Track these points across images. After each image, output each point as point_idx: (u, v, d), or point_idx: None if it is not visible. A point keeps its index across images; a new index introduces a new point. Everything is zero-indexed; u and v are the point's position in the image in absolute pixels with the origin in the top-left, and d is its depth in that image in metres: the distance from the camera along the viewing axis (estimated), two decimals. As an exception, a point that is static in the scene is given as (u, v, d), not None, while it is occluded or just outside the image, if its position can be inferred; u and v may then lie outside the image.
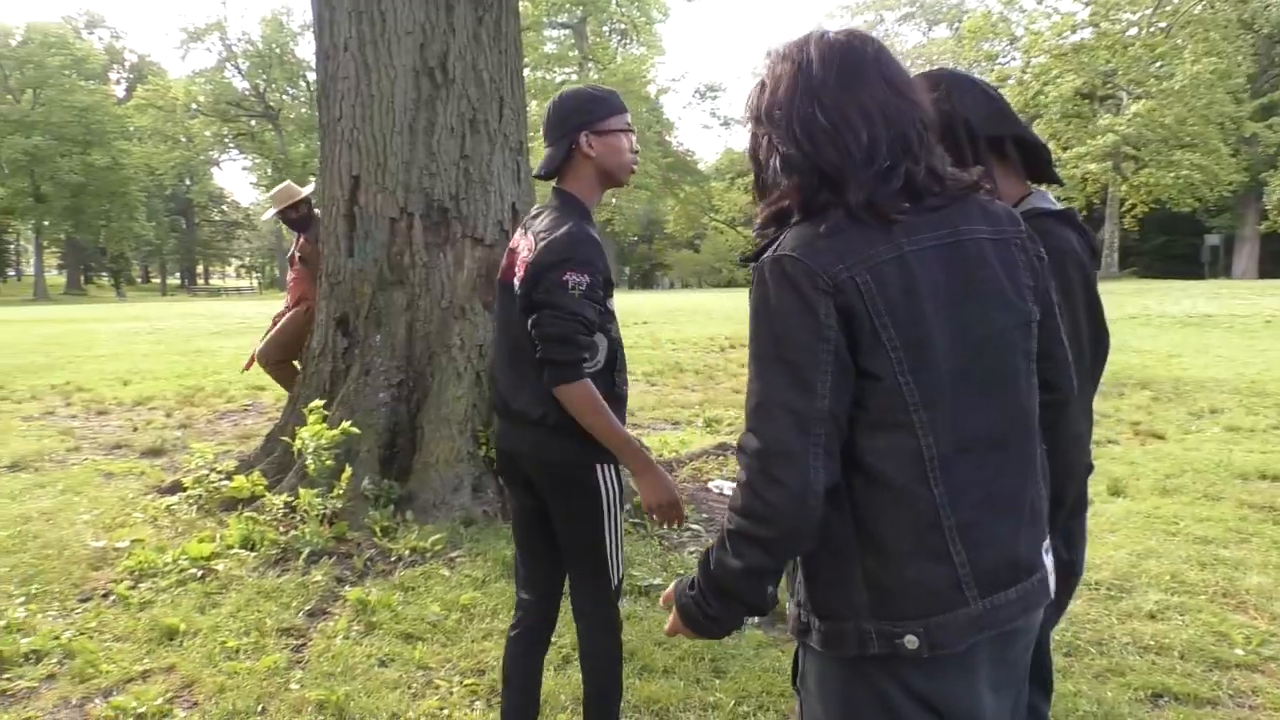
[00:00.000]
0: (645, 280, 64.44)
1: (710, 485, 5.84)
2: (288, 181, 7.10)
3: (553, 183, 2.48)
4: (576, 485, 2.38)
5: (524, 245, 2.38)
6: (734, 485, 1.39)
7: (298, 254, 6.53)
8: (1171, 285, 29.20)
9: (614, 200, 46.74)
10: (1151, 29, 41.06)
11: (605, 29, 49.91)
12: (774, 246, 1.39)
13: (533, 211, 2.50)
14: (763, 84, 1.47)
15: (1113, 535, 4.72)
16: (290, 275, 6.79)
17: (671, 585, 1.55)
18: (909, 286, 1.34)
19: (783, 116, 1.42)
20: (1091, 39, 42.28)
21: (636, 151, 2.54)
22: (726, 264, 61.87)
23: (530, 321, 2.28)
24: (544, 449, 2.37)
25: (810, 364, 1.31)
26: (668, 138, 53.35)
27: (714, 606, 1.45)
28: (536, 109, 47.08)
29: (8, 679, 3.29)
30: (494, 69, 5.18)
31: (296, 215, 6.39)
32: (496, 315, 2.55)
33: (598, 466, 2.37)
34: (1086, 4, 43.33)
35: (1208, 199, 40.28)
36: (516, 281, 2.36)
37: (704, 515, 5.21)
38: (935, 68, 2.21)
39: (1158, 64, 39.76)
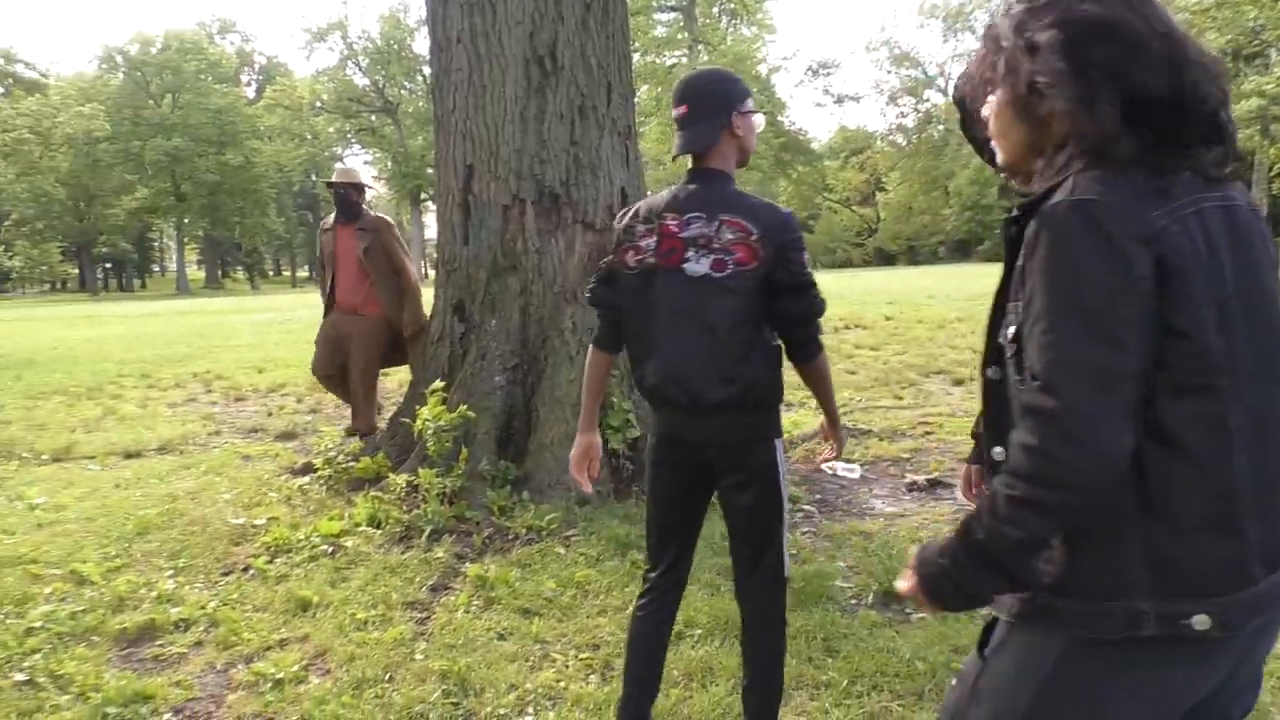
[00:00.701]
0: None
1: (824, 466, 5.78)
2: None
3: (673, 162, 2.55)
4: (764, 463, 2.44)
5: (711, 229, 2.35)
6: (1017, 446, 1.27)
7: (361, 252, 6.19)
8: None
9: (725, 182, 46.54)
10: (1303, -19, 38.27)
11: (715, 10, 49.55)
12: (1060, 192, 1.28)
13: (677, 193, 2.43)
14: (1055, 19, 1.33)
15: None
16: (338, 273, 6.33)
17: (916, 551, 1.46)
18: (1209, 241, 1.27)
19: (1094, 53, 1.30)
20: (1234, -6, 39.73)
21: None
22: (842, 244, 60.89)
23: (788, 302, 2.36)
24: (738, 430, 2.42)
25: (1119, 318, 1.21)
26: (780, 118, 52.68)
27: (971, 577, 1.34)
28: (646, 94, 47.14)
29: (160, 645, 3.54)
30: (602, 55, 5.23)
31: (357, 198, 6.34)
32: (662, 304, 2.40)
33: (775, 442, 2.48)
34: (1231, -43, 40.70)
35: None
36: (711, 265, 2.34)
37: (817, 496, 5.19)
38: None
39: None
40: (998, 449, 1.43)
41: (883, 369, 9.74)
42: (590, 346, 2.64)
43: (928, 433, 6.79)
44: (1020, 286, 1.33)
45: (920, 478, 5.52)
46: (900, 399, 8.27)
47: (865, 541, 4.42)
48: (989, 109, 1.46)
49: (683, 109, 2.42)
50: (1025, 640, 1.40)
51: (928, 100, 61.34)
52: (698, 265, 2.34)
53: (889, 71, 61.34)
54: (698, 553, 4.14)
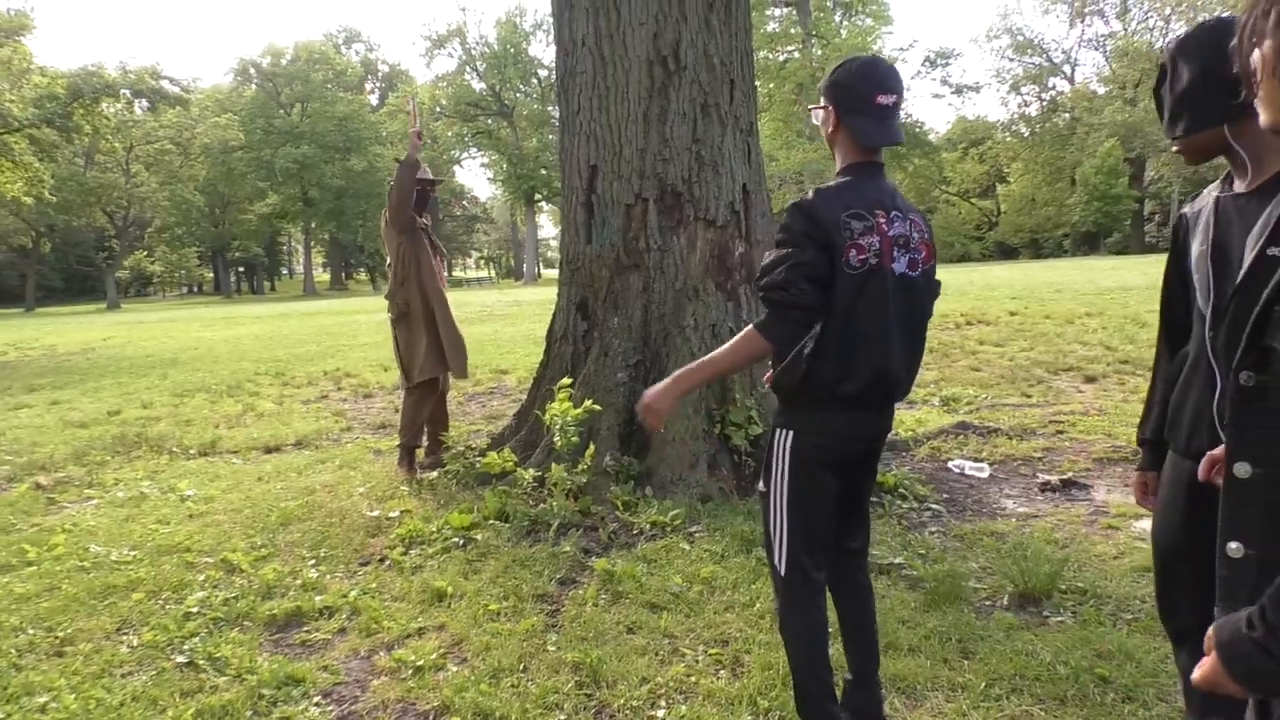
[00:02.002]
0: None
1: (950, 465, 5.65)
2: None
3: (873, 156, 2.45)
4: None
5: (905, 227, 2.39)
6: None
7: (430, 243, 6.01)
8: None
9: (838, 177, 45.83)
10: None
11: (829, 4, 48.83)
12: None
13: (870, 188, 2.39)
14: None
15: None
16: (414, 267, 5.93)
17: (1212, 629, 1.21)
18: None
19: None
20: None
21: None
22: (959, 237, 59.19)
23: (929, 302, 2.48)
24: (892, 419, 2.61)
25: None
26: (895, 110, 51.57)
27: None
28: (759, 90, 46.80)
29: (306, 631, 3.72)
30: (724, 53, 5.24)
31: (434, 192, 6.23)
32: (880, 305, 2.36)
33: None
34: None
35: None
36: (908, 265, 2.39)
37: (944, 495, 5.07)
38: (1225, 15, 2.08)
39: None
40: (1241, 465, 1.28)
41: (1008, 366, 9.44)
42: (758, 333, 2.32)
43: (1059, 431, 6.55)
44: None
45: (1053, 478, 5.34)
46: (1029, 396, 8.00)
47: (997, 542, 4.31)
48: (1263, 65, 1.27)
49: (894, 98, 2.37)
50: None
51: (1053, 88, 59.03)
52: (899, 264, 2.36)
53: (1011, 59, 59.26)
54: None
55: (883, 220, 2.34)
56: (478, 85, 61.51)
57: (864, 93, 2.35)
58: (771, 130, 45.40)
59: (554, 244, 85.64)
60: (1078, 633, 3.31)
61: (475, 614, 3.74)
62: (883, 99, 2.34)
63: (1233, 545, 1.25)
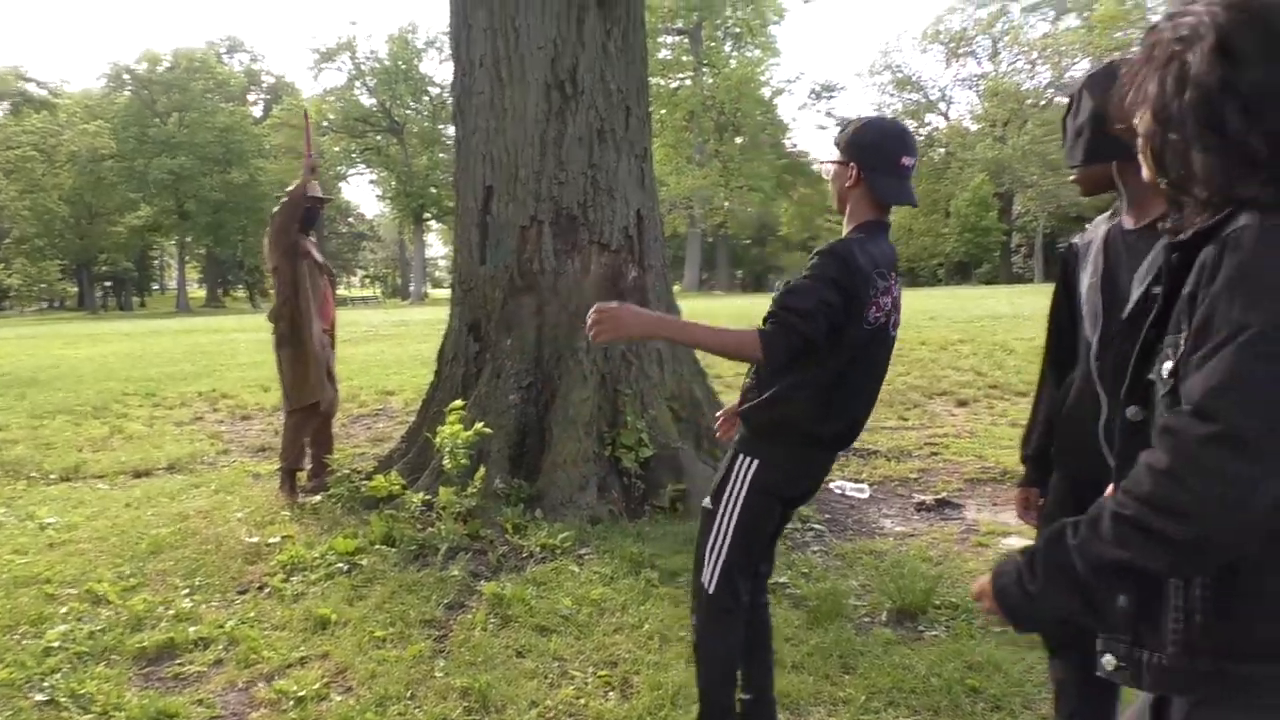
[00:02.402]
0: (758, 282, 64.11)
1: (832, 486, 5.82)
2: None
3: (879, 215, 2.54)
4: None
5: (898, 288, 2.54)
6: (1143, 465, 1.18)
7: (319, 262, 5.85)
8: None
9: (727, 204, 46.70)
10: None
11: (719, 33, 49.95)
12: (1245, 217, 1.18)
13: (886, 248, 2.52)
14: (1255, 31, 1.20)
15: None
16: (292, 290, 5.67)
17: (1006, 555, 1.37)
18: None
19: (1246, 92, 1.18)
20: None
21: None
22: (842, 266, 60.95)
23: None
24: None
25: None
26: (782, 140, 53.00)
27: (1043, 586, 1.26)
28: (654, 116, 47.45)
29: (180, 664, 3.57)
30: (621, 80, 5.33)
31: (323, 210, 6.04)
32: (873, 362, 2.57)
33: None
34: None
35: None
36: (893, 324, 2.54)
37: (826, 516, 5.22)
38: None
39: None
40: None
41: (887, 390, 9.76)
42: (757, 340, 2.31)
43: (934, 453, 6.83)
44: (1184, 319, 1.23)
45: (929, 498, 5.56)
46: (906, 420, 8.32)
47: (876, 560, 4.46)
48: (1138, 123, 1.34)
49: (914, 160, 2.51)
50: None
51: (929, 124, 61.67)
52: (893, 324, 2.54)
53: (891, 95, 61.71)
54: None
55: (893, 282, 2.49)
56: (367, 101, 60.45)
57: (891, 153, 2.45)
58: (662, 156, 46.05)
59: (442, 263, 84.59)
60: (950, 646, 3.46)
61: (360, 641, 3.66)
62: (906, 160, 2.47)
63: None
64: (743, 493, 2.52)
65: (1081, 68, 57.05)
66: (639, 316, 2.41)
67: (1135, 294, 2.07)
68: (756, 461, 2.51)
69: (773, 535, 2.74)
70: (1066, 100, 2.29)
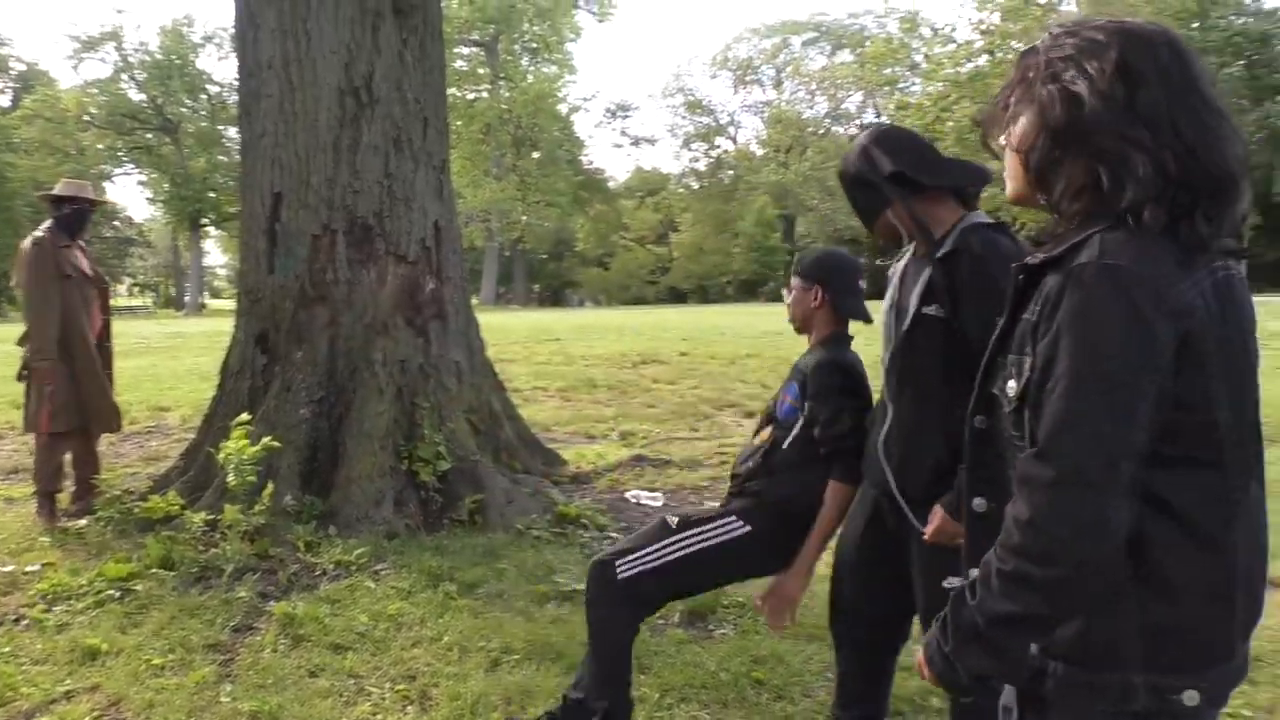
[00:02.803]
0: (555, 298, 64.46)
1: (628, 495, 5.99)
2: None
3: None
4: None
5: None
6: (1011, 519, 1.24)
7: (88, 269, 5.46)
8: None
9: (525, 218, 46.73)
10: (1040, 59, 43.15)
11: (516, 47, 49.98)
12: (1086, 251, 1.22)
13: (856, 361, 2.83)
14: (1108, 62, 1.26)
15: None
16: (46, 304, 5.22)
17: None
18: (1225, 313, 1.23)
19: (1158, 101, 1.23)
20: (987, 67, 44.23)
21: None
22: (636, 281, 62.34)
23: None
24: None
25: (1136, 393, 1.16)
26: (579, 156, 53.64)
27: (958, 648, 1.31)
28: (451, 127, 46.69)
29: (-79, 705, 3.24)
30: (418, 89, 5.29)
31: (92, 212, 5.67)
32: None
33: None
34: (983, 34, 45.38)
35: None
36: None
37: (623, 524, 5.37)
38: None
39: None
40: (978, 500, 1.44)
41: (680, 402, 10.13)
42: (845, 484, 2.66)
43: (724, 462, 7.14)
44: (1028, 341, 1.28)
45: (718, 505, 5.81)
46: (697, 431, 8.65)
47: (671, 566, 4.63)
48: (1007, 140, 1.39)
49: (864, 281, 2.89)
50: (1044, 715, 1.35)
51: (719, 146, 64.28)
52: None
53: (683, 117, 63.88)
54: (514, 580, 4.23)
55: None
56: (136, 95, 56.17)
57: (852, 277, 2.83)
58: (460, 168, 45.51)
59: (221, 272, 79.71)
60: (738, 642, 3.66)
61: (135, 670, 3.44)
62: (861, 282, 2.85)
63: (974, 572, 1.34)
64: (718, 543, 2.74)
65: (855, 100, 61.19)
66: (795, 577, 2.75)
67: (910, 314, 2.31)
68: (749, 530, 2.73)
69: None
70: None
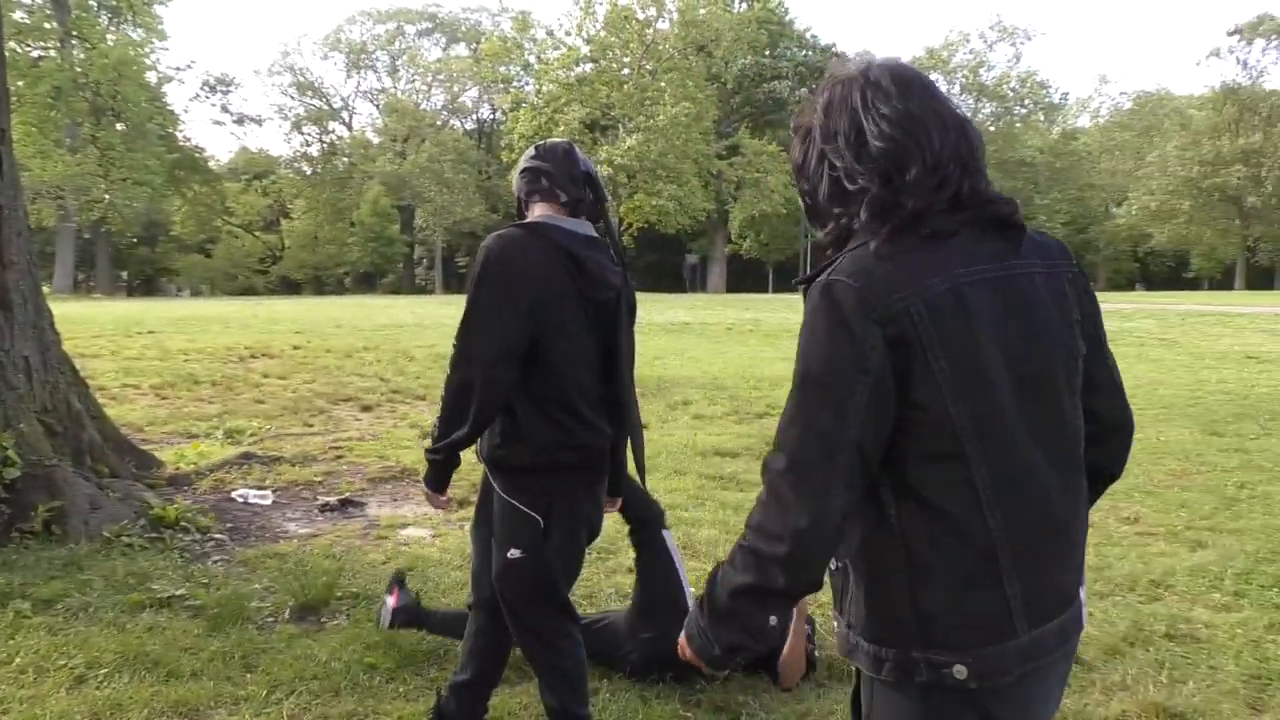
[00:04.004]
0: (148, 286, 58.25)
1: (234, 495, 5.73)
2: None
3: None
4: None
5: None
6: (757, 500, 1.38)
7: None
8: (661, 298, 33.38)
9: (108, 197, 41.66)
10: (641, 71, 46.51)
11: (93, 3, 44.27)
12: (829, 270, 1.36)
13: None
14: (820, 102, 1.45)
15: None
16: None
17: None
18: (964, 316, 1.33)
19: (846, 128, 1.40)
20: (593, 74, 46.80)
21: None
22: (243, 270, 58.25)
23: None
24: None
25: (846, 392, 1.29)
26: (173, 132, 48.78)
27: (710, 622, 1.41)
28: (14, 90, 40.10)
29: None
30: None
31: None
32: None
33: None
34: (588, 41, 47.91)
35: (686, 224, 46.87)
36: None
37: (228, 525, 5.15)
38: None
39: (647, 102, 45.14)
40: None
41: (292, 397, 9.76)
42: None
43: (339, 456, 7.05)
44: None
45: (332, 498, 5.77)
46: (311, 426, 8.41)
47: (280, 563, 4.54)
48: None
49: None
50: (868, 683, 1.48)
51: (332, 132, 61.73)
52: None
53: (293, 98, 60.50)
54: (101, 591, 3.96)
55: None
56: None
57: None
58: (23, 135, 39.43)
59: None
60: (351, 631, 3.71)
61: None
62: None
63: (833, 565, 1.47)
64: None
65: (471, 95, 61.78)
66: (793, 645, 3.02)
67: None
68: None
69: None
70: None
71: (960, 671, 1.33)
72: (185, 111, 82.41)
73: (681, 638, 1.48)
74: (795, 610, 3.27)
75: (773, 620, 1.38)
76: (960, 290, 1.33)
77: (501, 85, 55.63)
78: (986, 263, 1.37)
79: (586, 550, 2.81)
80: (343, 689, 3.27)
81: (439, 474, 2.64)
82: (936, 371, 1.30)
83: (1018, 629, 1.35)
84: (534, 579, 2.60)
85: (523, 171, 2.67)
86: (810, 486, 1.29)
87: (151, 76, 46.14)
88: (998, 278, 1.37)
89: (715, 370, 12.71)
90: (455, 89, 61.20)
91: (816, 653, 3.46)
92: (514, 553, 2.56)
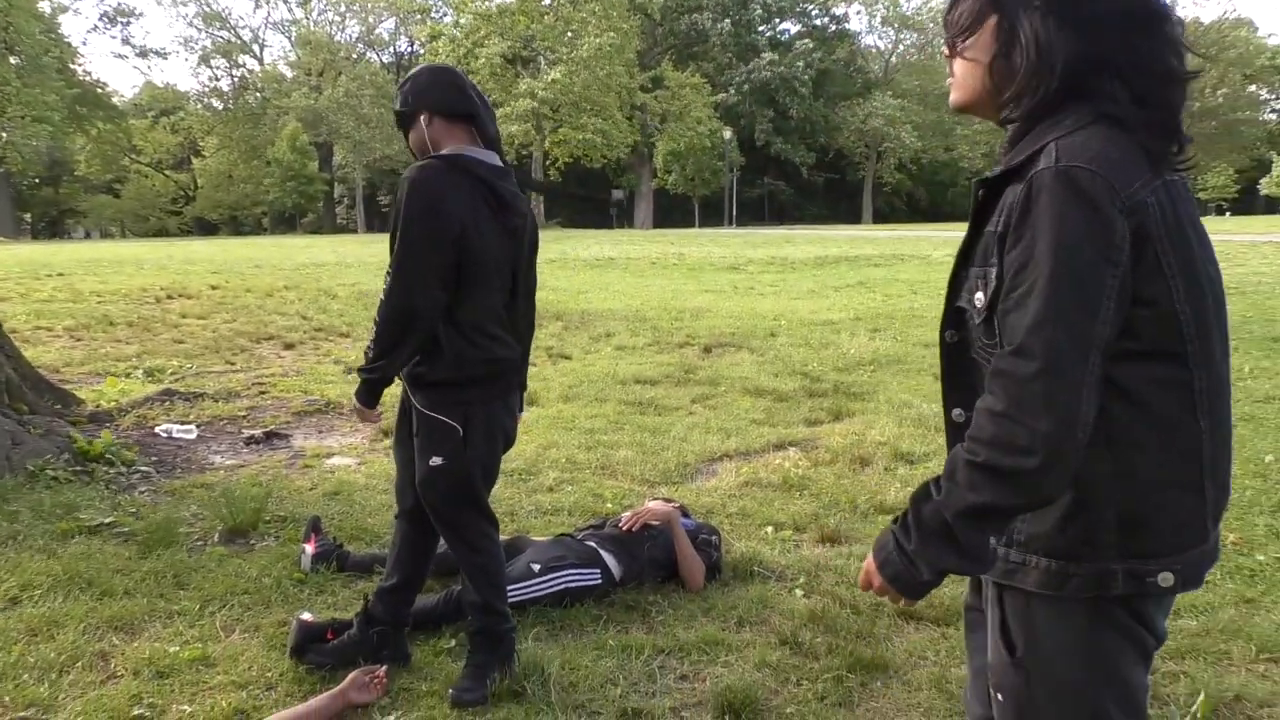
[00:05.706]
0: (53, 229, 55.99)
1: (158, 430, 5.79)
2: None
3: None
4: None
5: None
6: (983, 411, 1.27)
7: None
8: (586, 233, 33.46)
9: (4, 135, 39.77)
10: (562, 1, 45.61)
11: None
12: (1044, 158, 1.27)
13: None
14: None
15: (525, 435, 5.73)
16: None
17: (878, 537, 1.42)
18: (1178, 214, 1.29)
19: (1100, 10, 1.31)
20: (514, 4, 45.76)
21: None
22: (155, 211, 56.32)
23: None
24: None
25: (1098, 287, 1.22)
26: (72, 65, 46.51)
27: (922, 544, 1.32)
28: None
29: None
30: None
31: None
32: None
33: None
34: (504, -31, 46.65)
35: (612, 158, 46.52)
36: None
37: (154, 458, 5.23)
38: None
39: (569, 34, 44.42)
40: (957, 410, 1.46)
41: (212, 337, 9.72)
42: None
43: (263, 392, 7.11)
44: (994, 252, 1.33)
45: (257, 431, 5.86)
46: (233, 364, 8.42)
47: (207, 492, 4.65)
48: (963, 48, 1.44)
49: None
50: (1028, 607, 1.40)
51: (243, 65, 59.53)
52: None
53: (199, 30, 58.07)
54: (29, 522, 4.05)
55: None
56: None
57: None
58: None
59: None
60: (280, 551, 3.87)
61: None
62: None
63: None
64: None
65: (388, 26, 60.02)
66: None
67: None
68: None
69: None
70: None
71: (1166, 579, 1.30)
72: (84, 44, 78.56)
73: (868, 563, 1.41)
74: (670, 520, 3.55)
75: (993, 542, 1.33)
76: (1169, 186, 1.30)
77: (419, 16, 54.12)
78: (1169, 172, 1.33)
79: (502, 459, 3.01)
80: (274, 601, 3.44)
81: (373, 390, 2.80)
82: (1165, 267, 1.26)
83: (1209, 533, 1.34)
84: (456, 484, 2.78)
85: None
86: (1066, 391, 1.21)
87: (45, 6, 43.84)
88: (1178, 183, 1.33)
89: (638, 303, 12.94)
90: (371, 20, 59.36)
91: (722, 558, 3.73)
92: (436, 460, 2.74)
